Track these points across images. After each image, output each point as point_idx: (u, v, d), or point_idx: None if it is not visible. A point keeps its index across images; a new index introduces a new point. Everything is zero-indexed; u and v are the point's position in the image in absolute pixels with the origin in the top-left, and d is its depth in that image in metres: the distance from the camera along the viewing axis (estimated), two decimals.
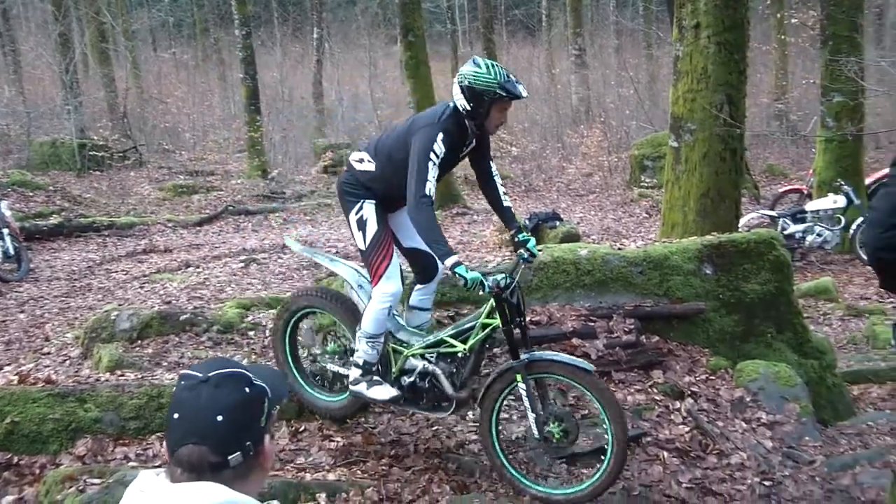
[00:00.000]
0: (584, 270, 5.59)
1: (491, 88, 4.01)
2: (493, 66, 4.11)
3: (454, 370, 4.31)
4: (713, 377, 5.42)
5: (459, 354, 4.26)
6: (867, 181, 12.26)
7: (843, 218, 11.59)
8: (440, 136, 4.08)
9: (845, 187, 11.51)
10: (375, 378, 4.40)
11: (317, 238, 12.81)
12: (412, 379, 4.39)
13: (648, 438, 4.78)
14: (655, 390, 5.18)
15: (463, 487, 4.34)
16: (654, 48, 25.51)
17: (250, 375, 1.79)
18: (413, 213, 4.03)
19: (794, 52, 22.16)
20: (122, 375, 5.08)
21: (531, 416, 4.13)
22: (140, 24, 30.98)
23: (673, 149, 8.10)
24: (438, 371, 4.33)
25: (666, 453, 4.69)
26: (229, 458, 1.70)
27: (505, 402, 4.40)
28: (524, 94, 4.11)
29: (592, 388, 4.06)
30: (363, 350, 4.36)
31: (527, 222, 12.36)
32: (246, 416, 1.75)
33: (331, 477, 4.27)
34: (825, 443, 5.11)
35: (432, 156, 4.07)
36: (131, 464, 4.27)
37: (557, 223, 12.46)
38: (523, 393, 4.09)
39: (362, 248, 4.35)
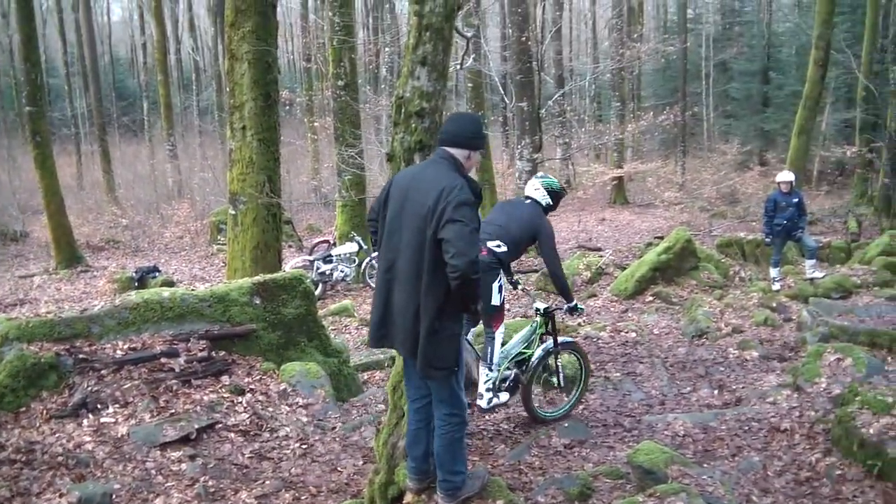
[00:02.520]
0: (167, 307, 7.22)
1: (560, 191, 6.92)
2: (550, 176, 7.05)
3: (524, 367, 6.74)
4: (265, 377, 7.18)
5: (527, 357, 6.78)
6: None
7: (356, 259, 14.32)
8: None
9: (357, 237, 14.73)
10: (494, 390, 6.56)
11: None
12: (507, 383, 6.63)
13: (220, 425, 6.34)
14: (224, 390, 6.80)
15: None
16: (226, 143, 18.49)
17: None
18: (558, 270, 6.58)
19: (323, 143, 28.73)
20: None
21: (561, 374, 7.03)
22: None
23: (232, 216, 11.18)
24: (518, 372, 6.69)
25: (233, 434, 6.28)
26: None
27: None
28: (566, 192, 7.13)
29: (577, 351, 7.20)
30: (494, 375, 6.51)
31: (133, 274, 15.79)
32: None
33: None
34: (342, 414, 7.00)
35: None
36: None
37: (157, 274, 16.01)
38: (559, 362, 7.00)
39: (496, 304, 6.47)
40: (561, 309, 6.95)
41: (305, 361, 7.54)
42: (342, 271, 15.19)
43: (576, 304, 6.80)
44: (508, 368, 6.66)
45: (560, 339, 6.99)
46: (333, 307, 13.18)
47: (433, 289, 4.27)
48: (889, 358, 8.34)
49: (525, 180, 18.79)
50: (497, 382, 6.57)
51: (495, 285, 6.43)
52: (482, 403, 6.51)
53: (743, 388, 8.05)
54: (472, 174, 4.72)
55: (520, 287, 7.42)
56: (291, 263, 14.61)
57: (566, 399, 7.29)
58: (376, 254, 4.88)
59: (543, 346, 6.89)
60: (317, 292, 13.79)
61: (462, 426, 4.63)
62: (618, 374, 8.65)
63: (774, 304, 11.63)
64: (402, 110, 4.78)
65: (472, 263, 4.09)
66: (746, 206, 26.34)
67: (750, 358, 9.14)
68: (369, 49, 27.50)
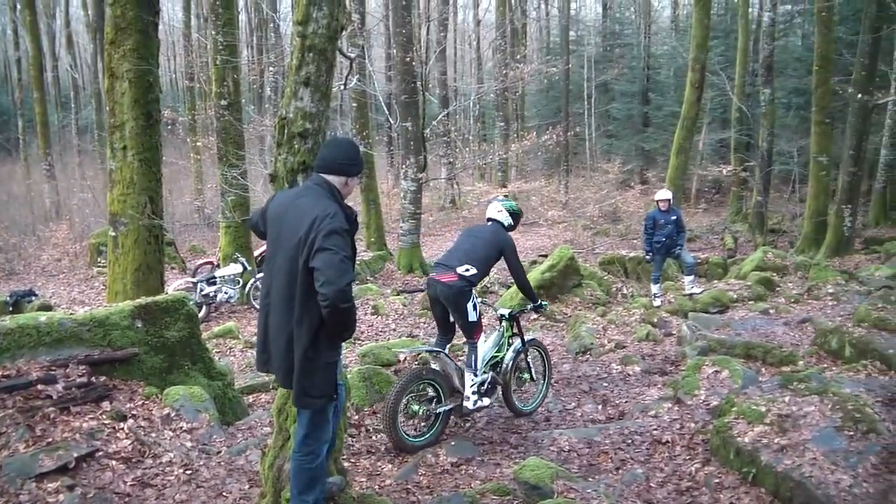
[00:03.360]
0: (44, 332, 6.94)
1: (520, 212, 7.80)
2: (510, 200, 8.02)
3: (498, 369, 7.62)
4: (148, 402, 6.96)
5: (499, 359, 7.65)
6: (255, 253, 16.10)
7: (241, 280, 13.96)
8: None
9: (241, 259, 14.42)
10: (480, 393, 7.30)
11: None
12: (486, 386, 7.38)
13: (100, 453, 6.02)
14: (105, 417, 6.51)
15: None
16: (107, 163, 16.00)
17: None
18: (526, 284, 7.58)
19: (206, 163, 28.60)
20: None
21: (532, 369, 7.96)
22: None
23: (112, 237, 10.87)
24: (494, 374, 7.55)
25: (114, 462, 6.03)
26: None
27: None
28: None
29: (539, 346, 8.19)
30: (479, 379, 7.25)
31: (8, 298, 15.04)
32: None
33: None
34: (227, 437, 6.90)
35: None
36: None
37: (33, 298, 15.20)
38: (530, 358, 7.97)
39: (474, 320, 7.13)
40: (525, 310, 8.17)
41: (189, 385, 7.34)
42: (226, 293, 14.88)
43: (541, 303, 7.84)
44: (485, 372, 7.42)
45: (526, 337, 7.94)
46: (217, 329, 12.89)
47: (306, 317, 4.27)
48: (763, 369, 8.74)
49: (410, 199, 18.97)
50: (479, 386, 7.30)
51: (470, 305, 7.12)
52: (468, 405, 7.18)
53: (626, 402, 8.28)
54: (350, 200, 4.75)
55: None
56: (174, 286, 14.23)
57: (535, 391, 8.26)
58: (261, 275, 4.92)
59: (514, 347, 7.79)
60: (200, 315, 13.56)
61: (313, 458, 4.59)
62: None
63: (655, 320, 12.04)
64: (286, 131, 4.77)
65: (342, 292, 4.09)
66: (628, 223, 27.13)
67: (632, 373, 9.41)
68: (253, 68, 27.24)
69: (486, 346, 7.53)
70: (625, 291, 15.34)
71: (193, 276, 15.95)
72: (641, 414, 7.64)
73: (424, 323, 12.99)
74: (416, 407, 7.06)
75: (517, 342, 7.81)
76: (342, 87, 10.89)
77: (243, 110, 17.73)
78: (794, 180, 29.36)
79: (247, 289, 15.15)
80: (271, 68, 26.22)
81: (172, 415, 6.91)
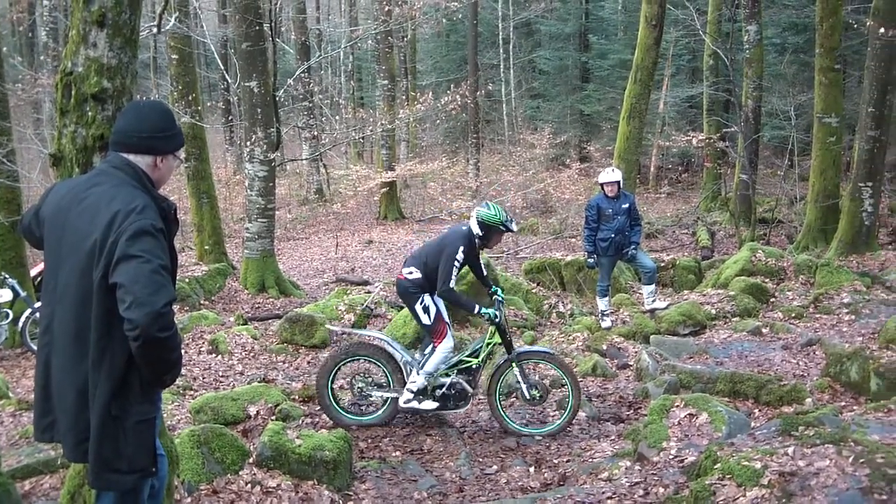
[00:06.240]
0: None
1: (496, 224, 9.33)
2: (499, 209, 9.38)
3: (470, 377, 9.49)
4: None
5: (474, 366, 9.50)
6: (33, 272, 15.36)
7: (9, 313, 13.25)
8: (461, 249, 9.18)
9: (9, 280, 13.56)
10: (420, 396, 9.31)
11: None
12: (442, 391, 9.40)
13: None
14: None
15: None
16: None
17: None
18: (444, 295, 9.23)
19: None
20: None
21: (524, 386, 9.41)
22: None
23: None
24: (461, 381, 9.45)
25: None
26: None
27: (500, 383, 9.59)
28: (515, 229, 9.81)
29: (555, 363, 9.74)
30: (420, 381, 9.26)
31: None
32: None
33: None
34: None
35: (455, 262, 9.14)
36: None
37: None
38: (517, 373, 9.43)
39: (427, 323, 9.33)
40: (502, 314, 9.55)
41: None
42: None
43: (479, 310, 9.32)
44: (447, 374, 9.40)
45: (523, 348, 9.91)
46: None
47: (107, 357, 4.07)
48: (756, 410, 8.94)
49: (259, 190, 18.67)
50: (429, 389, 9.34)
51: (419, 307, 9.29)
52: (400, 399, 9.34)
53: (568, 461, 8.38)
54: (173, 192, 4.63)
55: (495, 298, 9.75)
56: None
57: (554, 412, 9.83)
58: (40, 304, 4.75)
59: (506, 356, 9.51)
60: None
61: None
62: (397, 454, 8.78)
63: (605, 347, 12.22)
64: (73, 92, 4.65)
65: (158, 317, 3.88)
66: (563, 216, 27.33)
67: (576, 420, 9.52)
68: (17, 3, 26.55)
69: (443, 349, 9.28)
70: (561, 309, 15.49)
71: None
72: (590, 477, 7.69)
73: (284, 362, 12.91)
74: (361, 384, 9.61)
75: (511, 352, 9.44)
76: (154, 31, 10.67)
77: (5, 64, 17.21)
78: (791, 150, 29.33)
79: (19, 324, 14.59)
80: (45, 1, 25.58)
81: None
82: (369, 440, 9.13)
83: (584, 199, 21.27)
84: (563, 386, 9.90)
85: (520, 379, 9.40)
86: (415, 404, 9.24)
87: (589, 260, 13.93)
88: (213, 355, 13.39)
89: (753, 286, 14.55)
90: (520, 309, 14.73)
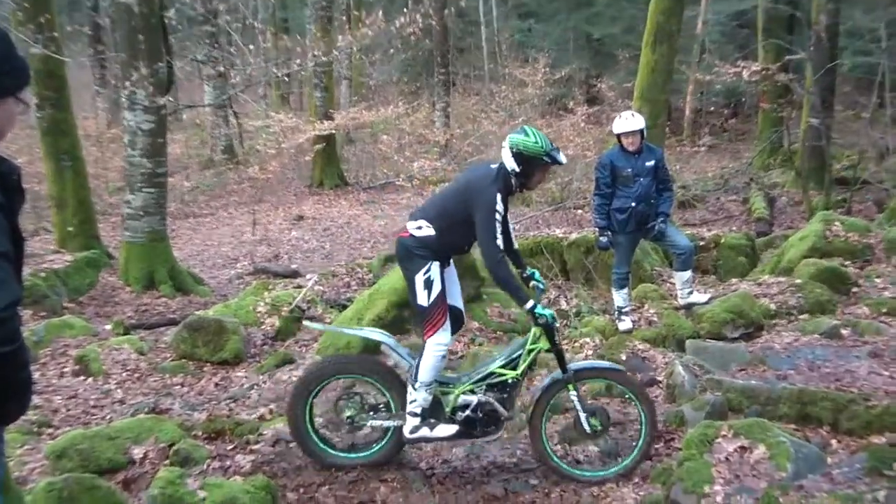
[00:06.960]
0: None
1: (539, 155, 8.54)
2: (540, 135, 8.60)
3: (505, 395, 8.88)
4: None
5: (510, 381, 8.90)
6: None
7: None
8: (499, 195, 8.43)
9: None
10: (432, 420, 8.82)
11: None
12: (466, 413, 8.85)
13: None
14: None
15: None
16: None
17: None
18: (493, 267, 8.49)
19: None
20: None
21: (582, 415, 9.01)
22: None
23: None
24: (492, 400, 8.87)
25: None
26: None
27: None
28: (564, 160, 8.80)
29: (628, 386, 9.31)
30: (421, 398, 8.74)
31: None
32: None
33: None
34: None
35: (497, 215, 8.39)
36: None
37: None
38: (574, 398, 8.99)
39: (425, 304, 8.60)
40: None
41: None
42: None
43: (534, 306, 8.53)
44: (473, 392, 8.88)
45: (579, 363, 9.28)
46: None
47: None
48: (834, 440, 8.93)
49: (143, 148, 18.57)
50: (446, 409, 8.84)
51: (419, 278, 8.54)
52: (405, 430, 8.79)
53: None
54: (17, 149, 4.57)
55: (533, 283, 9.41)
56: None
57: (612, 449, 9.51)
58: None
59: (553, 374, 9.14)
60: None
61: None
62: None
63: (624, 356, 12.19)
64: None
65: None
66: (565, 179, 27.20)
67: (584, 458, 9.53)
68: None
69: (434, 345, 8.66)
70: (563, 306, 15.47)
71: None
72: None
73: (182, 385, 12.91)
74: (348, 412, 8.97)
75: (559, 370, 8.95)
76: None
77: None
78: (881, 84, 29.35)
79: None
80: None
81: None
82: (301, 489, 8.98)
83: (594, 156, 21.29)
84: (626, 413, 9.99)
85: (577, 405, 8.99)
86: (425, 432, 8.73)
87: (601, 238, 13.69)
88: (82, 378, 13.30)
89: (828, 271, 14.52)
90: (506, 307, 14.68)
